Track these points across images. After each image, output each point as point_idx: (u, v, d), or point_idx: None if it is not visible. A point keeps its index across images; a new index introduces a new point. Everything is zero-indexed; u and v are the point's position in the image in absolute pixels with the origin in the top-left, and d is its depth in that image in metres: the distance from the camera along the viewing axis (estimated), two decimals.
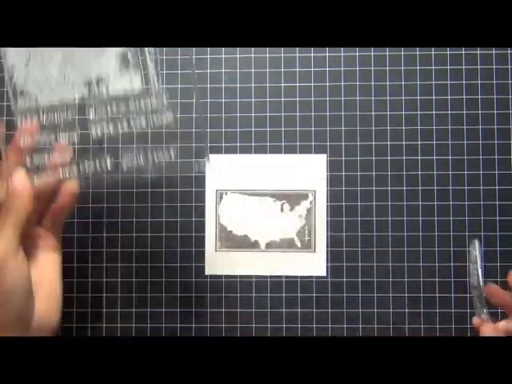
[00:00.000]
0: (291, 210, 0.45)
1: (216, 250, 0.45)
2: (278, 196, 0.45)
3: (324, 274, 0.44)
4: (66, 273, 0.45)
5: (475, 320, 0.37)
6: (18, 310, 0.33)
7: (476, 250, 0.37)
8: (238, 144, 0.45)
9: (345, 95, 0.45)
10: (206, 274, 0.45)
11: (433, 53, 0.45)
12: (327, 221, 0.44)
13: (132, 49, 0.37)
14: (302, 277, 0.44)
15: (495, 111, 0.44)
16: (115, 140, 0.39)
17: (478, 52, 0.44)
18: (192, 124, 0.45)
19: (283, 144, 0.45)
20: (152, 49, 0.37)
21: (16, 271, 0.32)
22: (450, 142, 0.44)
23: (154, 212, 0.45)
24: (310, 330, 0.44)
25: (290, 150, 0.45)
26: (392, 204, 0.44)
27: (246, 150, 0.45)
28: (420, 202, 0.44)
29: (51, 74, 0.36)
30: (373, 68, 0.45)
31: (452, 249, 0.44)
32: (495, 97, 0.44)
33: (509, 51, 0.44)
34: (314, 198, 0.45)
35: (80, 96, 0.36)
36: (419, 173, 0.44)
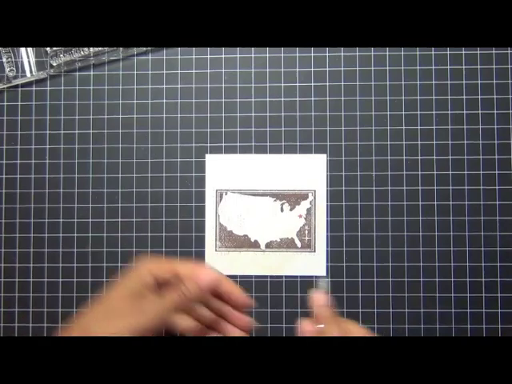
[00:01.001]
0: (291, 210, 0.45)
1: (216, 250, 0.45)
2: (278, 196, 0.45)
3: (324, 273, 0.44)
4: (67, 272, 0.45)
5: (304, 325, 0.35)
6: None
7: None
8: (238, 144, 0.45)
9: (345, 95, 0.45)
10: None
11: (433, 53, 0.45)
12: (327, 221, 0.44)
13: None
14: (301, 277, 0.44)
15: (495, 111, 0.44)
16: None
17: (478, 52, 0.44)
18: (192, 124, 0.45)
19: (283, 144, 0.45)
20: None
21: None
22: (449, 142, 0.44)
23: (154, 212, 0.45)
24: None
25: (290, 149, 0.45)
26: (392, 204, 0.44)
27: (246, 150, 0.45)
28: (420, 202, 0.44)
29: None
30: (373, 68, 0.45)
31: (452, 249, 0.44)
32: (495, 97, 0.44)
33: (509, 51, 0.44)
34: (314, 198, 0.45)
35: None
36: (419, 173, 0.44)
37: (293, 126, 0.45)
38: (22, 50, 0.46)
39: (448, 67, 0.45)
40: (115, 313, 0.34)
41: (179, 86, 0.45)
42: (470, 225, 0.44)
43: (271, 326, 0.44)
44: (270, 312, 0.44)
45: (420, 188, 0.44)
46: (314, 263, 0.44)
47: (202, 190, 0.45)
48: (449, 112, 0.44)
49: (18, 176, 0.45)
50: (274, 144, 0.45)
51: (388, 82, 0.45)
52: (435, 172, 0.44)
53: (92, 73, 0.46)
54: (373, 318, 0.44)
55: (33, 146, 0.46)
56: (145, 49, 0.45)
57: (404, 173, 0.44)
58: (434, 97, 0.45)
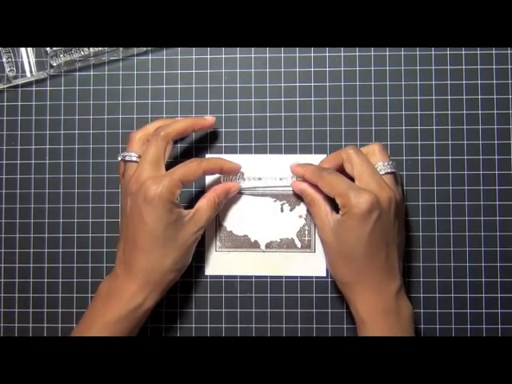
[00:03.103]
0: (291, 210, 0.45)
1: (216, 250, 0.45)
2: (278, 196, 0.45)
3: (324, 274, 0.44)
4: (66, 272, 0.45)
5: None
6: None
7: None
8: (238, 144, 0.45)
9: (345, 95, 0.45)
10: (206, 274, 0.45)
11: (433, 53, 0.45)
12: None
13: None
14: (301, 277, 0.44)
15: (495, 111, 0.44)
16: None
17: (478, 52, 0.44)
18: None
19: (283, 144, 0.45)
20: None
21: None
22: (450, 142, 0.44)
23: None
24: (310, 330, 0.44)
25: (290, 150, 0.45)
26: None
27: (246, 150, 0.45)
28: (420, 202, 0.44)
29: None
30: (373, 68, 0.45)
31: (452, 249, 0.44)
32: (495, 97, 0.44)
33: (509, 51, 0.44)
34: None
35: None
36: (419, 173, 0.44)
37: (293, 126, 0.45)
38: (22, 49, 0.46)
39: (448, 67, 0.45)
40: (157, 244, 0.37)
41: (179, 86, 0.45)
42: (469, 225, 0.44)
43: (271, 326, 0.44)
44: (270, 312, 0.44)
45: (420, 188, 0.44)
46: (313, 263, 0.44)
47: (202, 190, 0.45)
48: (449, 112, 0.44)
49: (18, 176, 0.45)
50: (274, 144, 0.45)
51: (388, 82, 0.45)
52: (435, 172, 0.44)
53: (92, 73, 0.46)
54: None
55: (33, 146, 0.46)
56: (145, 49, 0.45)
57: (404, 173, 0.44)
58: (434, 97, 0.45)
